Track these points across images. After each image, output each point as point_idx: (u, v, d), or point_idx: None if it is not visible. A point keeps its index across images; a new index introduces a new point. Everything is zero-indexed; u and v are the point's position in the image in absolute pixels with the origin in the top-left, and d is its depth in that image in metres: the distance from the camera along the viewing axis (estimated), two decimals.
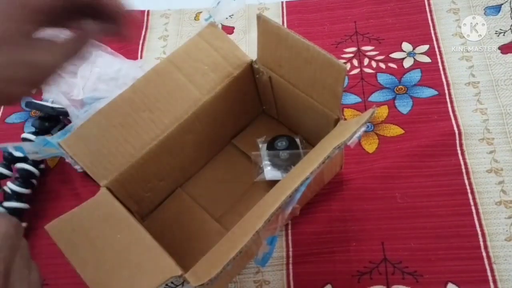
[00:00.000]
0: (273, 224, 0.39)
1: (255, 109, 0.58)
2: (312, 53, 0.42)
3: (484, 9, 0.65)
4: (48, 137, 0.53)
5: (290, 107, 0.52)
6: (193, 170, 0.56)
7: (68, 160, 0.59)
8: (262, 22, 0.45)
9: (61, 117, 0.61)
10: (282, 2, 0.71)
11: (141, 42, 0.70)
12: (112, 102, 0.46)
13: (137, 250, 0.39)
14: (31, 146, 0.54)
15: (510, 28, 0.62)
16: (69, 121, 0.60)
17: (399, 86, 0.60)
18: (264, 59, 0.48)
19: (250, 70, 0.50)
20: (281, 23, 0.63)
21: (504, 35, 0.62)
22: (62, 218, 0.41)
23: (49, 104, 0.59)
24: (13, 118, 0.66)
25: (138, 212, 0.51)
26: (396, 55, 0.63)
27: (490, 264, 0.47)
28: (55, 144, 0.53)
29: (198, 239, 0.51)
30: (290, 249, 0.51)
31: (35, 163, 0.57)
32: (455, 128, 0.55)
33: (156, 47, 0.70)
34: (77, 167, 0.58)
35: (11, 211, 0.55)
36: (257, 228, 0.36)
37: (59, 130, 0.56)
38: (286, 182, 0.41)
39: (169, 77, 0.48)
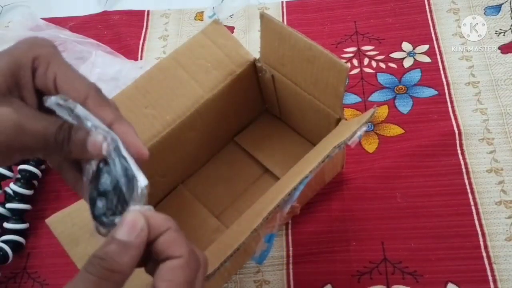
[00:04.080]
0: (271, 222, 0.39)
1: (257, 107, 0.58)
2: (315, 52, 0.42)
3: (484, 9, 0.65)
4: None
5: (292, 106, 0.52)
6: (195, 167, 0.56)
7: None
8: (265, 20, 0.45)
9: None
10: (282, 2, 0.71)
11: (141, 42, 0.70)
12: (114, 98, 0.46)
13: None
14: None
15: (510, 28, 0.62)
16: None
17: (399, 86, 0.60)
18: (267, 58, 0.48)
19: (253, 68, 0.50)
20: None
21: (504, 35, 0.62)
22: (63, 212, 0.41)
23: None
24: None
25: None
26: (396, 55, 0.63)
27: (490, 264, 0.47)
28: None
29: (198, 236, 0.51)
30: (290, 248, 0.51)
31: (36, 164, 0.57)
32: (455, 128, 0.55)
33: (156, 47, 0.70)
34: None
35: (14, 212, 0.55)
36: (255, 226, 0.36)
37: None
38: (286, 180, 0.41)
39: (172, 74, 0.48)
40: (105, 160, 0.27)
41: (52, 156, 0.30)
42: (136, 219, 0.25)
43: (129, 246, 0.24)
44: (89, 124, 0.27)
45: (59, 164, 0.30)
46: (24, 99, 0.27)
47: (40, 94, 0.28)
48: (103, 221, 0.27)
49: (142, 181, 0.26)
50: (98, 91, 0.28)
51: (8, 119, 0.25)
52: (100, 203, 0.27)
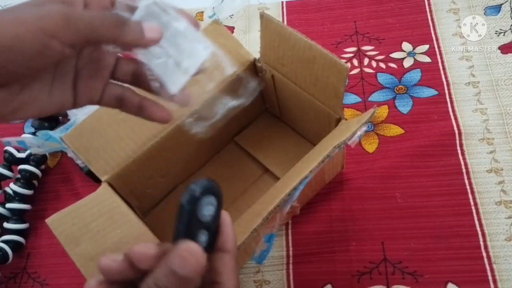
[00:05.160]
0: (271, 222, 0.39)
1: (257, 107, 0.58)
2: (315, 52, 0.42)
3: (484, 9, 0.65)
4: (50, 132, 0.53)
5: (293, 106, 0.52)
6: (195, 167, 0.56)
7: (70, 154, 0.59)
8: (265, 20, 0.45)
9: (60, 117, 0.61)
10: (282, 2, 0.71)
11: None
12: None
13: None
14: (34, 140, 0.54)
15: (510, 28, 0.62)
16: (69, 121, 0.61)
17: (399, 86, 0.60)
18: (267, 58, 0.48)
19: (253, 68, 0.50)
20: None
21: (504, 35, 0.62)
22: (63, 212, 0.41)
23: None
24: None
25: (139, 208, 0.52)
26: (396, 55, 0.63)
27: (490, 264, 0.47)
28: (58, 138, 0.53)
29: None
30: (290, 248, 0.51)
31: (36, 164, 0.57)
32: (455, 128, 0.55)
33: None
34: (79, 161, 0.58)
35: (14, 212, 0.55)
36: (255, 226, 0.36)
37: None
38: (286, 180, 0.41)
39: None
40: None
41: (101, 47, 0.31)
42: (195, 251, 0.23)
43: (188, 280, 0.23)
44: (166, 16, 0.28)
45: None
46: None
47: None
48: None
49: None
50: None
51: (56, 8, 0.25)
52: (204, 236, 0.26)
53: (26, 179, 0.56)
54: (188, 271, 0.23)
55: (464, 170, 0.53)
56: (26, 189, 0.56)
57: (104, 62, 0.32)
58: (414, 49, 0.63)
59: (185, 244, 0.24)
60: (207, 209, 0.25)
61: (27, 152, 0.58)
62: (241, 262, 0.50)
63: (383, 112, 0.58)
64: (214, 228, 0.26)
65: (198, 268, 0.23)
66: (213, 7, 0.71)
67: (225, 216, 0.27)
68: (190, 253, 0.23)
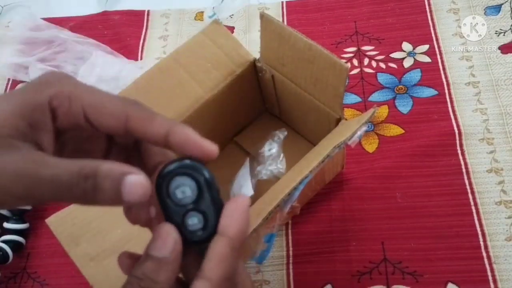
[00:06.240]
0: (271, 222, 0.39)
1: (257, 107, 0.58)
2: (315, 52, 0.42)
3: (484, 9, 0.65)
4: None
5: (292, 106, 0.52)
6: None
7: None
8: (265, 21, 0.45)
9: None
10: (282, 2, 0.71)
11: (141, 42, 0.70)
12: None
13: (137, 246, 0.39)
14: None
15: (510, 28, 0.62)
16: None
17: (399, 86, 0.60)
18: (267, 58, 0.48)
19: (253, 68, 0.50)
20: None
21: (504, 35, 0.62)
22: (63, 212, 0.41)
23: None
24: None
25: None
26: (396, 55, 0.63)
27: (490, 264, 0.47)
28: None
29: None
30: (290, 248, 0.51)
31: None
32: (455, 128, 0.55)
33: (156, 47, 0.70)
34: None
35: (14, 212, 0.55)
36: (255, 226, 0.36)
37: None
38: (286, 180, 0.41)
39: (172, 74, 0.48)
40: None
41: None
42: (168, 231, 0.23)
43: (164, 262, 0.23)
44: None
45: None
46: (40, 143, 0.23)
47: (61, 133, 0.25)
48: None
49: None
50: (135, 104, 0.24)
51: (9, 167, 0.21)
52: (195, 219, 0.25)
53: None
54: (163, 251, 0.23)
55: (464, 170, 0.53)
56: None
57: (94, 147, 0.27)
58: (414, 49, 0.63)
59: (158, 226, 0.24)
60: (181, 190, 0.24)
61: None
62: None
63: (383, 112, 0.58)
64: (213, 212, 0.25)
65: (172, 246, 0.23)
66: (213, 7, 0.71)
67: (235, 200, 0.25)
68: (163, 232, 0.23)
